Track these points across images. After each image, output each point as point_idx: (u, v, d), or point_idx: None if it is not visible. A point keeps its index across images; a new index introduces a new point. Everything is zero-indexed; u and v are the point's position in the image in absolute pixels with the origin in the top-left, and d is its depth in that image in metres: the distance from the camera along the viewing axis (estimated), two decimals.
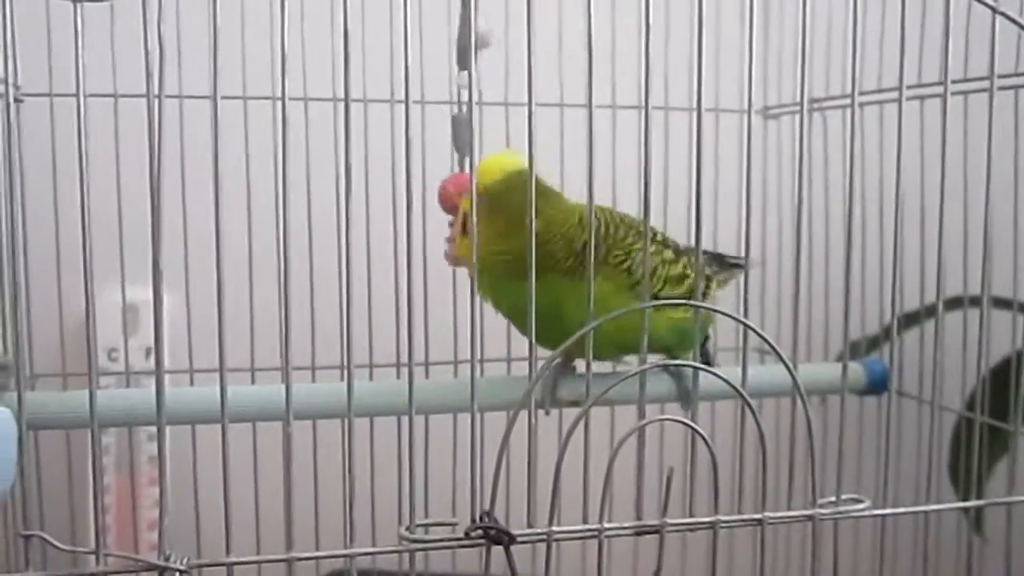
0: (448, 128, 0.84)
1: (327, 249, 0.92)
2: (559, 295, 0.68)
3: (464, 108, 0.72)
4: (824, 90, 1.03)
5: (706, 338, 0.81)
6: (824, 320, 1.01)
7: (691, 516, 0.60)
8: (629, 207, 0.78)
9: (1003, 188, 0.75)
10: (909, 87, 0.68)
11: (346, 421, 0.56)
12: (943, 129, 0.63)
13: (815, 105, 1.05)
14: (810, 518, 0.60)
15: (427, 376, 0.95)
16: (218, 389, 0.54)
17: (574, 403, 0.73)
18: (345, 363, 0.56)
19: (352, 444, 0.56)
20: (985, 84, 0.63)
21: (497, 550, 0.55)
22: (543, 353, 0.59)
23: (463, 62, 0.73)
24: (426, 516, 0.58)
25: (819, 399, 0.96)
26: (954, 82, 0.63)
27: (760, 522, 0.59)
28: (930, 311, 0.79)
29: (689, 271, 0.77)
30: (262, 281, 0.94)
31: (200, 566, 0.53)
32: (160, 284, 0.51)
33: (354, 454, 0.56)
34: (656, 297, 0.73)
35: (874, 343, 1.05)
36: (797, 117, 0.61)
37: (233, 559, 0.54)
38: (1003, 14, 0.62)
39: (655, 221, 0.77)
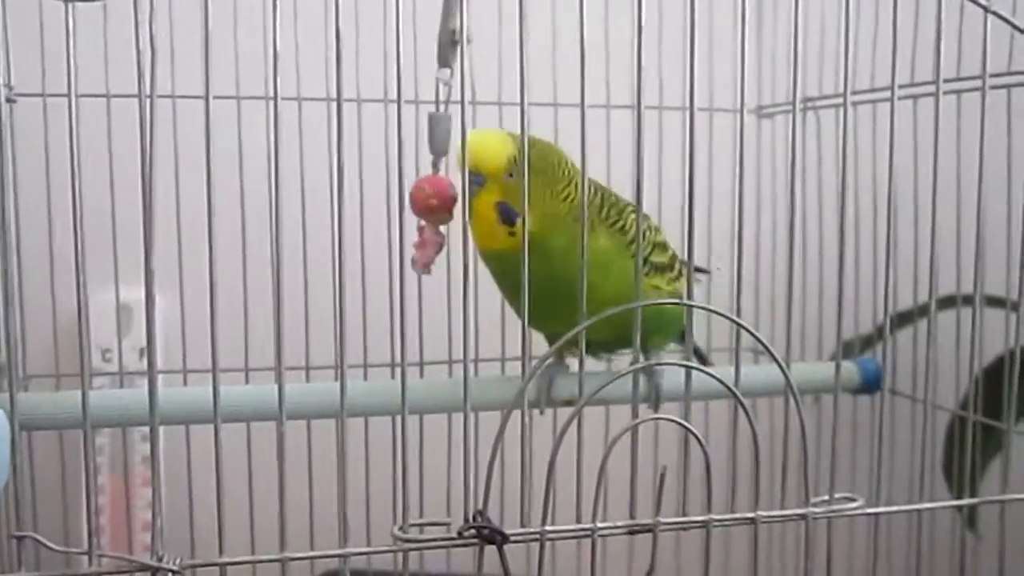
0: None
1: (321, 249, 0.92)
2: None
3: (443, 107, 0.72)
4: (817, 89, 1.03)
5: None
6: (817, 319, 1.01)
7: (685, 515, 0.60)
8: None
9: (996, 187, 0.75)
10: (902, 86, 0.68)
11: (340, 421, 0.56)
12: (936, 128, 0.63)
13: (808, 104, 1.05)
14: (804, 517, 0.61)
15: (421, 376, 0.95)
16: (211, 389, 0.54)
17: (568, 403, 0.73)
18: (339, 363, 0.56)
19: (346, 444, 0.56)
20: (978, 83, 0.64)
21: (491, 549, 0.55)
22: (537, 352, 0.59)
23: (443, 59, 0.73)
24: (420, 516, 0.58)
25: (813, 398, 0.96)
26: (947, 81, 0.63)
27: (754, 521, 0.60)
28: (923, 310, 0.79)
29: (670, 249, 0.78)
30: (255, 281, 0.94)
31: (193, 566, 0.53)
32: (153, 284, 0.51)
33: (348, 454, 0.56)
34: (645, 261, 0.73)
35: (867, 342, 1.05)
36: (790, 116, 0.61)
37: (226, 559, 0.54)
38: (995, 13, 0.62)
39: None
